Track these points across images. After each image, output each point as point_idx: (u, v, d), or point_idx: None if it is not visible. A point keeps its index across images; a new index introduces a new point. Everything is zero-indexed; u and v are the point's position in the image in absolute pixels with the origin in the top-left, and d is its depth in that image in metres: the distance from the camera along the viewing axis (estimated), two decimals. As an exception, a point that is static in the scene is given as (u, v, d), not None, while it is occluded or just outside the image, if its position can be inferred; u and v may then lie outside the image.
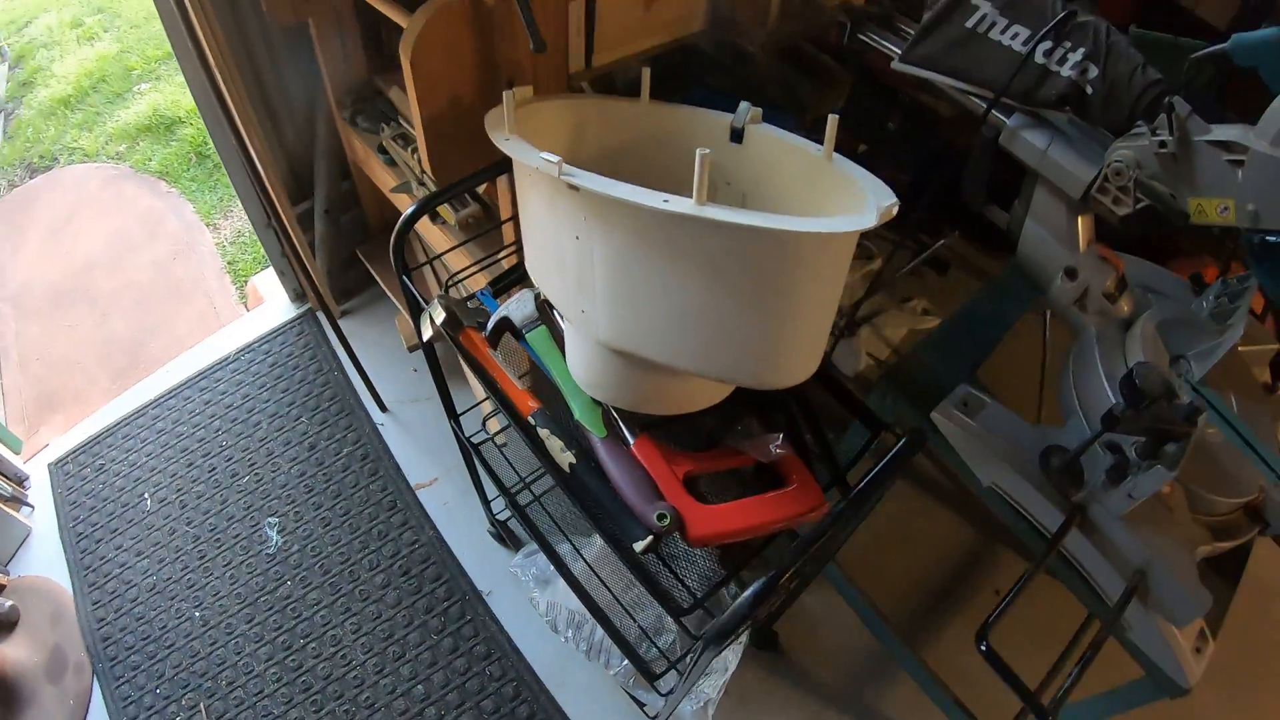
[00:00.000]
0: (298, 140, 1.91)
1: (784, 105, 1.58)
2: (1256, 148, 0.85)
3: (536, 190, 0.80)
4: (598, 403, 0.94)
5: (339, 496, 1.90)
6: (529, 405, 0.95)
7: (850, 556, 1.64)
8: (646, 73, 0.98)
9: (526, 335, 1.00)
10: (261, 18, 1.60)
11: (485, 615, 1.74)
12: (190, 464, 1.93)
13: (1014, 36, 1.03)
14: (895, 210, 0.69)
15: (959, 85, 1.09)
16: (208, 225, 2.57)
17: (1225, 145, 0.88)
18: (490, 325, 1.01)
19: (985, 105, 1.07)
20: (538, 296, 1.01)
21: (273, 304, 2.26)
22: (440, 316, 0.98)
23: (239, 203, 2.57)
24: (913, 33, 1.13)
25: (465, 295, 1.12)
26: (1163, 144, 0.92)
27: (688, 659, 0.94)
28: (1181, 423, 0.89)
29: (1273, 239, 0.89)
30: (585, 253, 0.74)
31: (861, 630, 1.76)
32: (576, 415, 0.94)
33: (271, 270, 2.32)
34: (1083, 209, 1.08)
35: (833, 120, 0.82)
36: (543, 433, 0.92)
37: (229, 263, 2.47)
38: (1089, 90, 1.00)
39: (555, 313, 1.01)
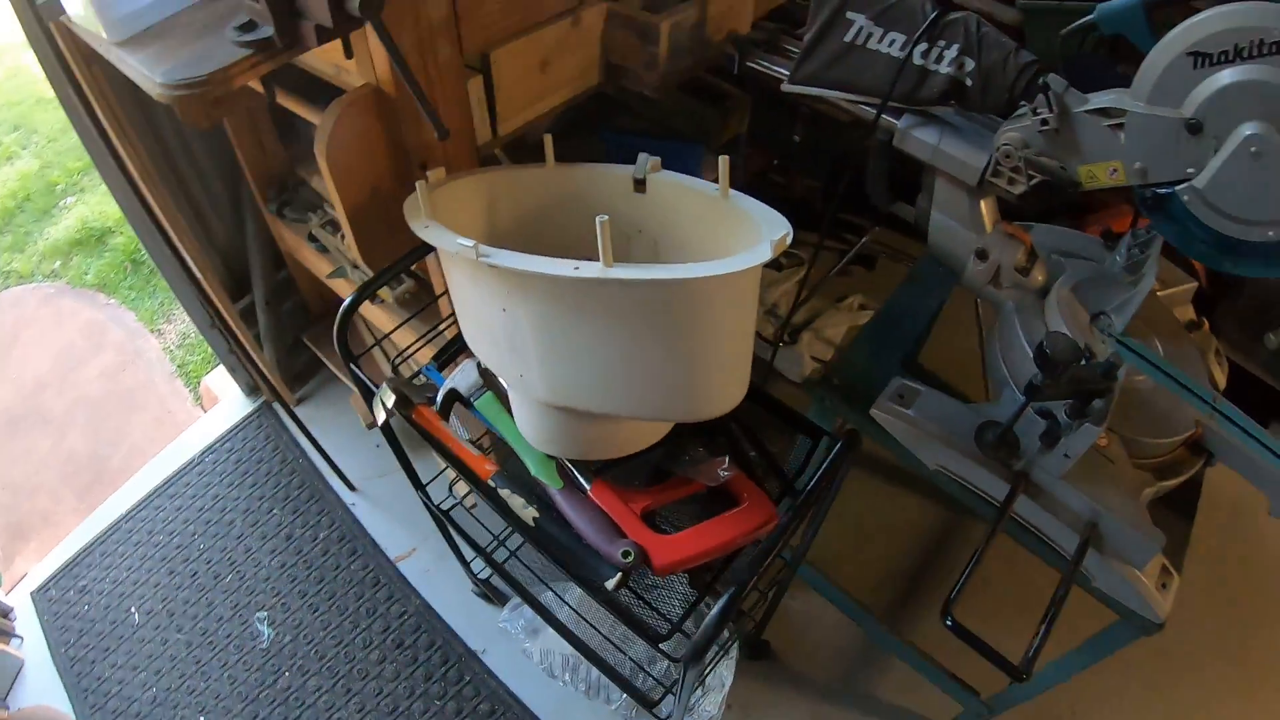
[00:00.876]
0: (228, 237, 1.93)
1: (692, 135, 1.64)
2: (1134, 109, 0.90)
3: (460, 270, 0.84)
4: (550, 456, 0.98)
5: (323, 581, 1.90)
6: (486, 469, 0.98)
7: (826, 555, 1.68)
8: (548, 139, 1.02)
9: (475, 403, 1.03)
10: (177, 122, 1.63)
11: (483, 673, 1.76)
12: (172, 571, 1.92)
13: (891, 43, 1.08)
14: (789, 240, 0.74)
15: (847, 97, 1.15)
16: (152, 331, 2.57)
17: (1104, 112, 0.93)
18: (439, 399, 1.04)
19: (874, 111, 1.13)
20: (480, 364, 1.05)
21: (228, 401, 2.26)
22: (391, 399, 1.01)
23: (179, 307, 2.60)
24: (798, 53, 1.18)
25: (413, 372, 1.15)
26: (1045, 121, 0.97)
27: (674, 680, 0.97)
28: (1101, 379, 0.94)
29: (1164, 191, 0.95)
30: (514, 322, 0.78)
31: (843, 625, 1.80)
32: (533, 471, 0.97)
33: (222, 369, 2.33)
34: (981, 193, 1.13)
35: (723, 160, 0.87)
36: (503, 493, 0.95)
37: (178, 366, 2.46)
38: (968, 82, 1.05)
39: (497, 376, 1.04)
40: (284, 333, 2.09)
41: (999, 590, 1.67)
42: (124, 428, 2.32)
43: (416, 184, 0.89)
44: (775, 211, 0.85)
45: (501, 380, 0.93)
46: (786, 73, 1.21)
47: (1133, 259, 1.20)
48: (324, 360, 2.06)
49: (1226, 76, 0.83)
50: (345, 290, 1.73)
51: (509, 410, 1.01)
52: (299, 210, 1.73)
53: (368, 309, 1.68)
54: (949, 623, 0.92)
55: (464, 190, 1.00)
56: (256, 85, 1.14)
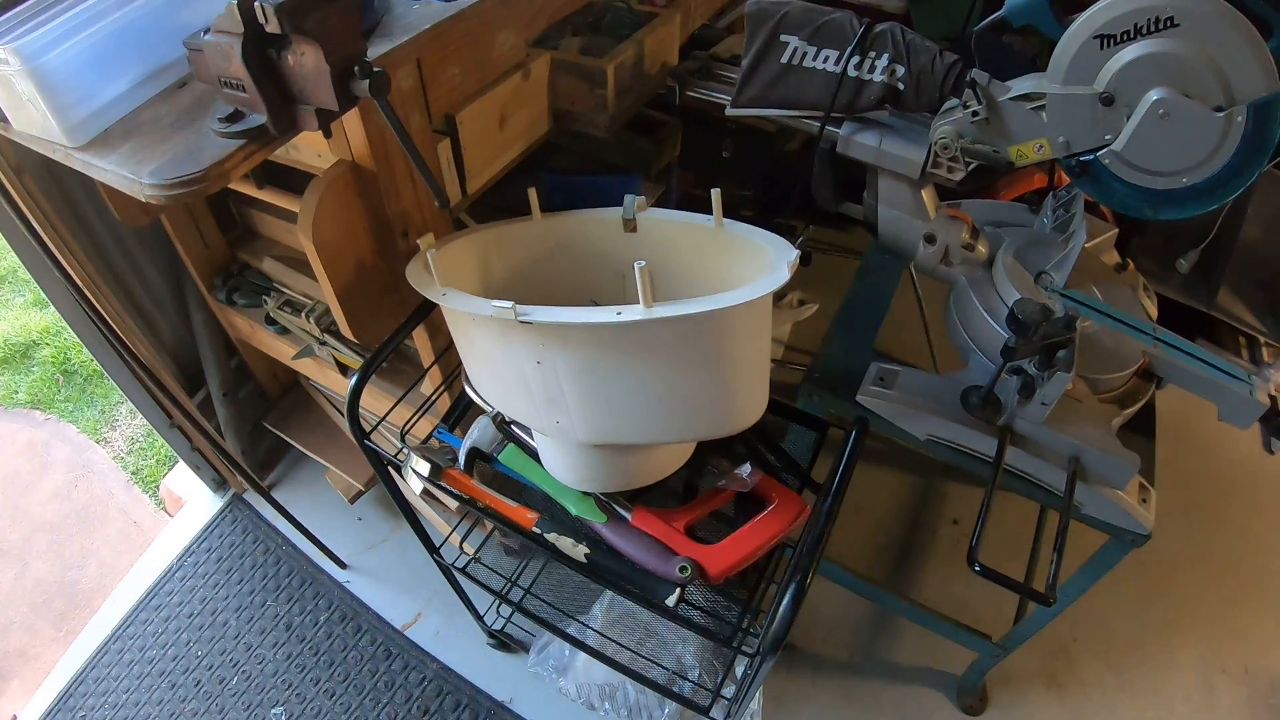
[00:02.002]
0: (174, 333, 1.90)
1: (629, 167, 1.71)
2: (1052, 90, 1.02)
3: (484, 330, 0.87)
4: (587, 494, 1.02)
5: (333, 664, 1.88)
6: (529, 518, 1.02)
7: (823, 539, 1.77)
8: (533, 193, 1.07)
9: (499, 457, 1.07)
10: (111, 225, 1.61)
11: (515, 721, 1.77)
12: (173, 685, 1.86)
13: (825, 60, 1.17)
14: (797, 262, 0.81)
15: (790, 114, 1.24)
16: (97, 441, 2.47)
17: (1026, 97, 1.06)
18: (462, 459, 1.07)
19: (817, 124, 1.22)
20: (495, 419, 1.09)
21: (195, 501, 2.20)
22: (426, 468, 1.04)
23: (124, 410, 2.52)
24: (734, 77, 1.26)
25: (423, 439, 1.18)
26: (975, 113, 1.08)
27: (743, 675, 1.03)
28: (1063, 331, 1.04)
29: (1087, 157, 1.07)
30: (549, 373, 0.83)
31: (852, 602, 1.90)
32: (574, 511, 1.02)
33: (181, 468, 2.27)
34: (923, 184, 1.24)
35: (716, 194, 0.94)
36: (550, 537, 0.99)
37: (132, 473, 2.38)
38: (901, 87, 1.15)
39: (515, 428, 1.08)
40: (244, 422, 2.06)
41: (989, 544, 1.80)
42: (88, 546, 2.22)
43: (426, 253, 0.92)
44: (772, 233, 0.92)
45: (534, 429, 0.97)
46: (727, 98, 1.29)
47: (1059, 219, 1.33)
48: (291, 442, 2.03)
49: (1131, 52, 0.96)
50: (313, 370, 1.73)
51: (535, 459, 1.05)
52: (249, 295, 1.71)
53: (335, 379, 1.68)
54: (977, 568, 1.00)
55: (457, 253, 1.04)
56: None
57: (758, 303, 0.77)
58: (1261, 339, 2.50)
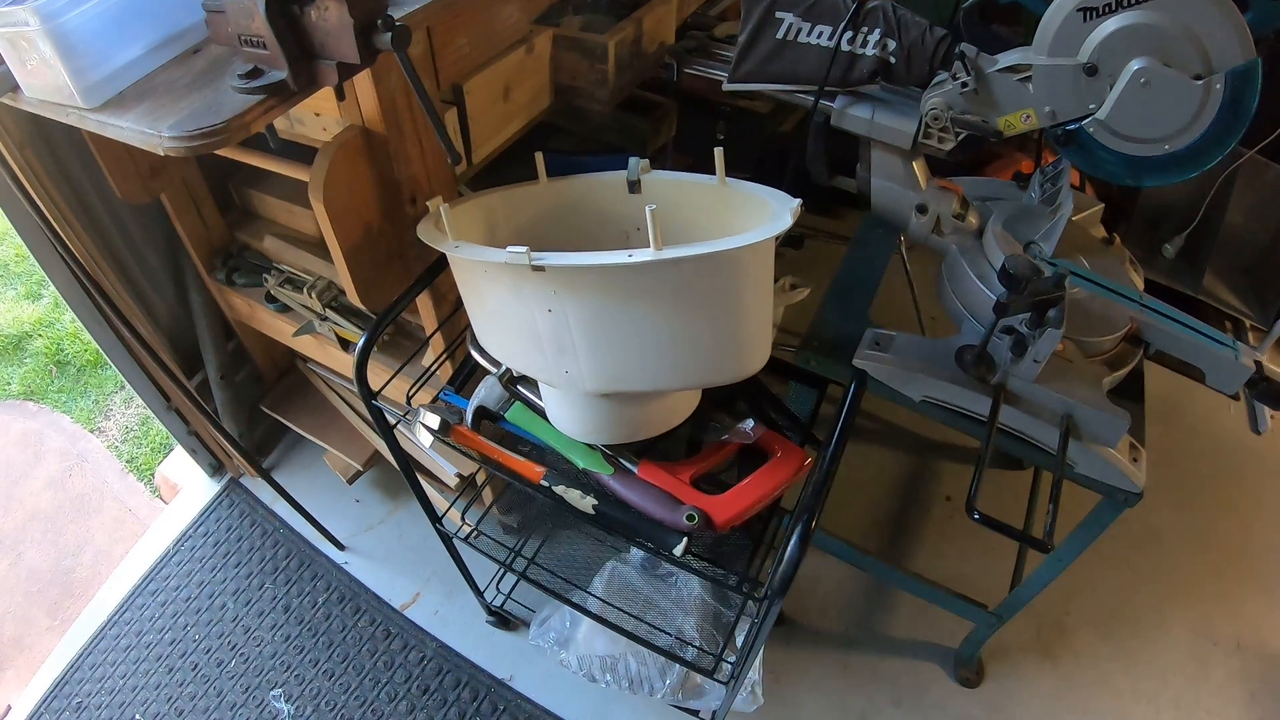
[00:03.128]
0: (172, 315, 1.91)
1: (625, 146, 1.73)
2: (1038, 62, 1.07)
3: (494, 282, 0.90)
4: (593, 447, 1.04)
5: (332, 645, 1.89)
6: (536, 472, 1.04)
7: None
8: (539, 156, 1.10)
9: (506, 415, 1.09)
10: (110, 205, 1.61)
11: (516, 698, 1.78)
12: (171, 669, 1.86)
13: (819, 35, 1.21)
14: (800, 209, 0.84)
15: (785, 88, 1.27)
16: (91, 431, 2.47)
17: (1013, 69, 1.10)
18: (469, 417, 1.09)
19: (812, 98, 1.25)
20: (502, 377, 1.11)
21: (191, 486, 2.20)
22: (435, 422, 1.06)
23: (117, 400, 2.52)
24: (730, 55, 1.30)
25: (430, 401, 1.20)
26: (964, 84, 1.13)
27: (750, 627, 1.05)
28: (1054, 289, 1.08)
29: (1072, 127, 1.11)
30: (560, 321, 0.85)
31: (849, 578, 1.94)
32: (581, 464, 1.04)
33: (177, 454, 2.27)
34: (915, 155, 1.27)
35: (718, 152, 0.97)
36: (559, 490, 1.01)
37: (127, 461, 2.38)
38: (892, 60, 1.19)
39: (520, 387, 1.11)
40: (241, 405, 2.06)
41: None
42: (84, 535, 2.22)
43: (438, 209, 0.94)
44: (775, 189, 0.96)
45: (543, 381, 0.99)
46: (724, 75, 1.32)
47: (1046, 192, 1.37)
48: (288, 424, 2.04)
49: (1112, 24, 1.01)
50: (312, 348, 1.74)
51: (541, 416, 1.07)
52: (249, 275, 1.72)
53: (336, 356, 1.69)
54: (976, 516, 1.03)
55: (464, 215, 1.06)
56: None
57: (762, 246, 0.79)
58: (1247, 322, 2.55)
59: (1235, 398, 1.26)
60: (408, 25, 0.82)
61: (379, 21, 0.81)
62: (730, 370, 0.90)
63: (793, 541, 0.84)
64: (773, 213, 0.87)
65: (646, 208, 0.74)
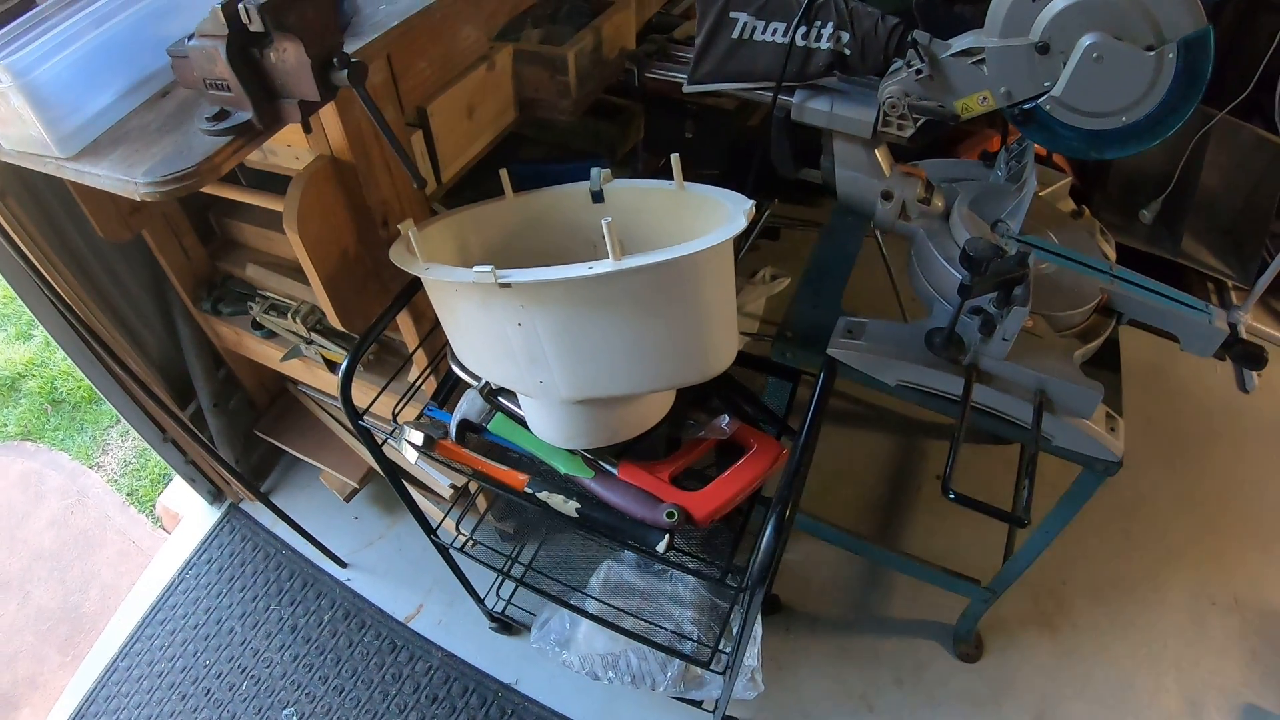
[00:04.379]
0: (161, 348, 1.93)
1: (595, 151, 1.76)
2: (990, 44, 1.09)
3: (466, 300, 0.92)
4: (574, 452, 1.07)
5: (340, 661, 1.91)
6: (520, 480, 1.06)
7: (807, 502, 1.82)
8: (504, 173, 1.12)
9: (488, 426, 1.11)
10: (94, 244, 1.63)
11: (524, 702, 1.81)
12: (184, 696, 1.89)
13: (774, 32, 1.23)
14: (754, 210, 0.87)
15: (744, 87, 1.29)
16: (90, 467, 2.49)
17: (966, 52, 1.12)
18: (453, 431, 1.12)
19: (770, 94, 1.27)
20: (482, 390, 1.13)
21: (191, 515, 2.23)
22: (419, 438, 1.08)
23: (114, 434, 2.54)
24: (689, 56, 1.32)
25: (415, 419, 1.22)
26: (919, 71, 1.14)
27: (734, 617, 1.07)
28: (1017, 267, 1.10)
29: (1028, 105, 1.13)
30: (530, 334, 0.88)
31: (842, 562, 1.97)
32: (563, 470, 1.06)
33: (176, 484, 2.30)
34: (876, 143, 1.29)
35: (675, 158, 1.00)
36: (542, 496, 1.04)
37: (127, 494, 2.40)
38: (847, 52, 1.21)
39: (502, 399, 1.13)
40: (236, 431, 2.09)
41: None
42: (89, 570, 2.24)
43: (407, 232, 0.96)
44: (729, 190, 0.98)
45: (519, 393, 1.02)
46: (684, 77, 1.34)
47: (1012, 170, 1.40)
48: (283, 447, 2.06)
49: (1061, 1, 1.02)
50: (301, 371, 1.77)
51: (522, 425, 1.10)
52: (234, 303, 1.75)
53: (324, 378, 1.72)
54: (952, 495, 1.05)
55: (435, 235, 1.08)
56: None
57: (719, 249, 0.82)
58: (1229, 282, 2.58)
59: (1221, 358, 1.27)
60: (363, 61, 0.85)
61: (335, 59, 0.83)
62: (698, 370, 0.92)
63: (768, 532, 0.86)
64: (729, 214, 0.89)
65: (603, 221, 0.77)
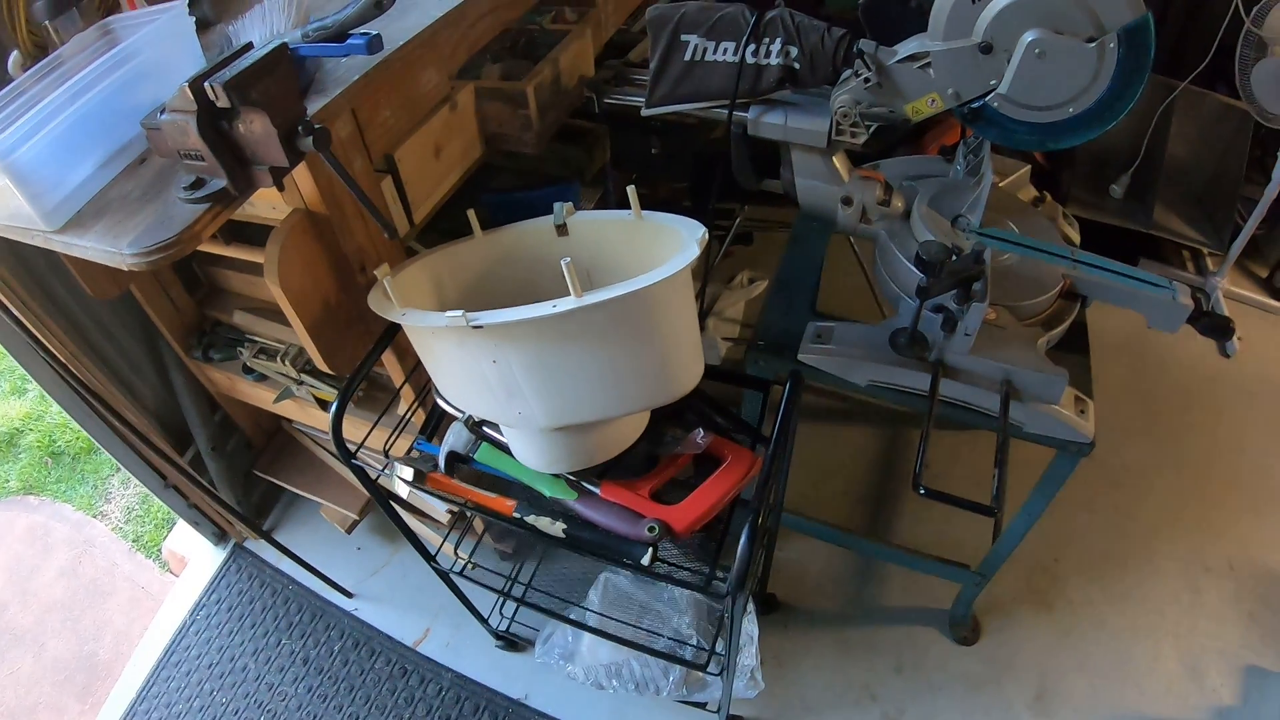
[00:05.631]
0: (156, 397, 1.96)
1: (564, 176, 1.80)
2: (935, 48, 1.13)
3: (443, 341, 0.96)
4: (557, 476, 1.11)
5: (353, 689, 1.95)
6: (508, 506, 1.10)
7: (796, 501, 1.86)
8: (471, 214, 1.17)
9: (475, 456, 1.16)
10: (83, 301, 1.66)
11: (534, 716, 1.85)
12: (203, 734, 1.93)
13: (724, 52, 1.27)
14: (706, 238, 0.91)
15: (700, 106, 1.33)
16: (94, 516, 2.53)
17: (913, 57, 1.16)
18: (442, 464, 1.16)
19: (726, 111, 1.32)
20: (467, 422, 1.17)
21: (198, 557, 2.27)
22: (410, 474, 1.12)
23: (115, 482, 2.57)
24: (645, 79, 1.36)
25: (405, 453, 1.26)
26: (867, 80, 1.18)
27: (725, 623, 1.11)
28: (973, 265, 1.14)
29: (976, 104, 1.17)
30: (505, 369, 0.92)
31: (836, 557, 2.01)
32: (548, 493, 1.10)
33: (180, 528, 2.33)
34: (832, 151, 1.33)
35: (631, 190, 1.04)
36: (530, 519, 1.08)
37: (133, 540, 2.44)
38: (796, 66, 1.24)
39: (486, 429, 1.17)
40: (235, 473, 2.13)
41: (955, 482, 1.90)
42: (101, 619, 2.28)
43: (382, 280, 1.00)
44: (685, 218, 1.02)
45: (501, 424, 1.06)
46: (642, 100, 1.38)
47: (970, 164, 1.43)
48: (283, 485, 2.10)
49: (1001, 1, 1.05)
50: (294, 411, 1.80)
51: (506, 452, 1.14)
52: (224, 349, 1.79)
53: (317, 415, 1.76)
54: (922, 491, 1.09)
55: (411, 278, 1.13)
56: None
57: (675, 278, 0.86)
58: (1205, 250, 2.62)
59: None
60: (326, 128, 0.89)
61: (299, 127, 0.87)
62: (667, 391, 0.96)
63: (742, 540, 0.90)
64: (684, 241, 0.94)
65: (562, 261, 0.81)
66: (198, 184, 0.93)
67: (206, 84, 0.85)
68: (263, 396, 1.79)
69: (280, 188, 1.02)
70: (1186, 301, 1.23)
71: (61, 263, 1.44)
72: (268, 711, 1.94)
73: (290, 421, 2.09)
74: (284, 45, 0.89)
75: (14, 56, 1.18)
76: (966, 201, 1.35)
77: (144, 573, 2.37)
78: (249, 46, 0.91)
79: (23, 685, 2.18)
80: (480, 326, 0.85)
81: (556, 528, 1.06)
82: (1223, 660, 1.83)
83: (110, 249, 0.92)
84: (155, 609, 2.21)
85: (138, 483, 2.02)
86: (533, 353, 0.90)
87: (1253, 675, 1.80)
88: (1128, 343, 2.42)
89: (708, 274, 1.92)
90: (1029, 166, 1.54)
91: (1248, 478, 2.15)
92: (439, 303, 1.17)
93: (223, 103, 0.86)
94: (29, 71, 1.06)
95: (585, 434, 1.02)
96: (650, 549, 1.00)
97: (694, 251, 0.87)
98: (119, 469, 2.59)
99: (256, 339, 1.72)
